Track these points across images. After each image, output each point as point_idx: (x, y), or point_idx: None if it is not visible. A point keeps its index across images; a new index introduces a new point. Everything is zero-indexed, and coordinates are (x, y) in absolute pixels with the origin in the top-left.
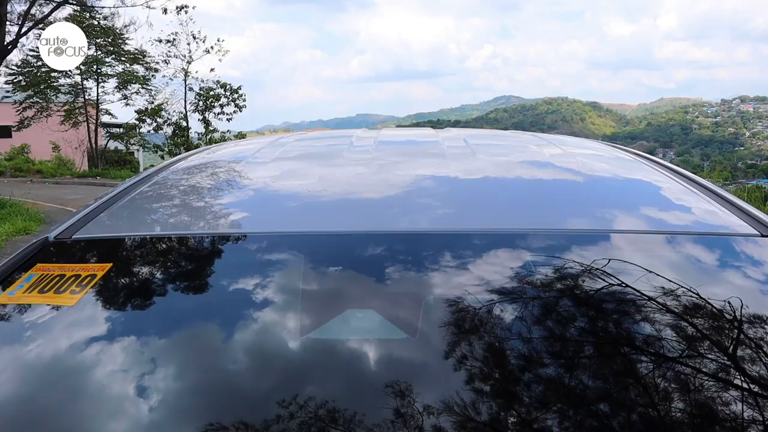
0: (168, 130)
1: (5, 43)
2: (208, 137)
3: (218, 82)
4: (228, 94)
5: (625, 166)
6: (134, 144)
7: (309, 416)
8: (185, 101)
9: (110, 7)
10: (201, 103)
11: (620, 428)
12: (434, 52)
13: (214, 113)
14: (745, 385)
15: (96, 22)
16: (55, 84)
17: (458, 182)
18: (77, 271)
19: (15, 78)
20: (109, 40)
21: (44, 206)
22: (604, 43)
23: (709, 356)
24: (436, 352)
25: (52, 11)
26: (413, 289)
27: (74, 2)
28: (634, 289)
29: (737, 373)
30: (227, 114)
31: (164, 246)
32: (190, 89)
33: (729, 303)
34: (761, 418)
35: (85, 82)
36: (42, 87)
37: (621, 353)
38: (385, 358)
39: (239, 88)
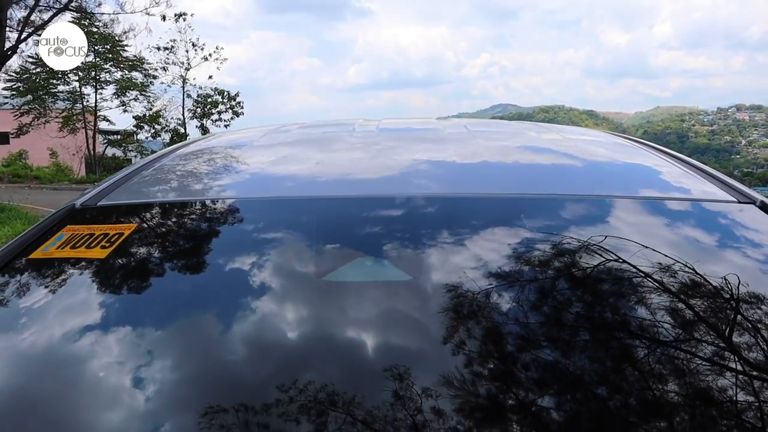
0: (166, 136)
1: (5, 48)
2: None
3: (216, 89)
4: (226, 101)
5: (615, 146)
6: (132, 150)
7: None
8: (183, 108)
9: (110, 14)
10: (199, 109)
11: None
12: (431, 60)
13: (212, 120)
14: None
15: (95, 29)
16: (53, 90)
17: (458, 159)
18: (105, 230)
19: (13, 84)
20: (108, 47)
21: (43, 211)
22: (601, 52)
23: (682, 312)
24: (434, 293)
25: (51, 18)
26: (417, 239)
27: (74, 9)
28: (621, 251)
29: (714, 334)
30: (225, 120)
31: (186, 209)
32: (188, 96)
33: (704, 264)
34: (745, 385)
35: (83, 88)
36: (40, 93)
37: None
38: (391, 299)
39: (237, 94)
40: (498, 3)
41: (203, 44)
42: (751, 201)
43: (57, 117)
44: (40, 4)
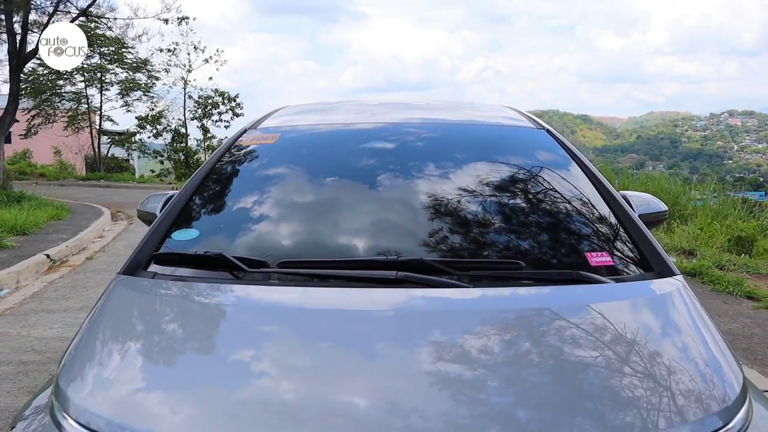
0: (167, 136)
1: (27, 51)
2: (206, 144)
3: (216, 90)
4: (226, 102)
5: (494, 108)
6: (135, 149)
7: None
8: (184, 109)
9: (125, 19)
10: (200, 110)
11: None
12: (426, 64)
13: (213, 120)
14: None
15: (100, 32)
16: (59, 91)
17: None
18: (270, 134)
19: (21, 85)
20: (113, 49)
21: (61, 201)
22: (595, 57)
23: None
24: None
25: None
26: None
27: (91, 14)
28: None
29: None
30: (225, 121)
31: (304, 128)
32: (190, 97)
33: (509, 156)
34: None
35: (88, 89)
36: (48, 94)
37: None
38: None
39: (237, 96)
40: (493, 8)
41: (204, 47)
42: (543, 128)
43: (62, 116)
44: (59, 9)
